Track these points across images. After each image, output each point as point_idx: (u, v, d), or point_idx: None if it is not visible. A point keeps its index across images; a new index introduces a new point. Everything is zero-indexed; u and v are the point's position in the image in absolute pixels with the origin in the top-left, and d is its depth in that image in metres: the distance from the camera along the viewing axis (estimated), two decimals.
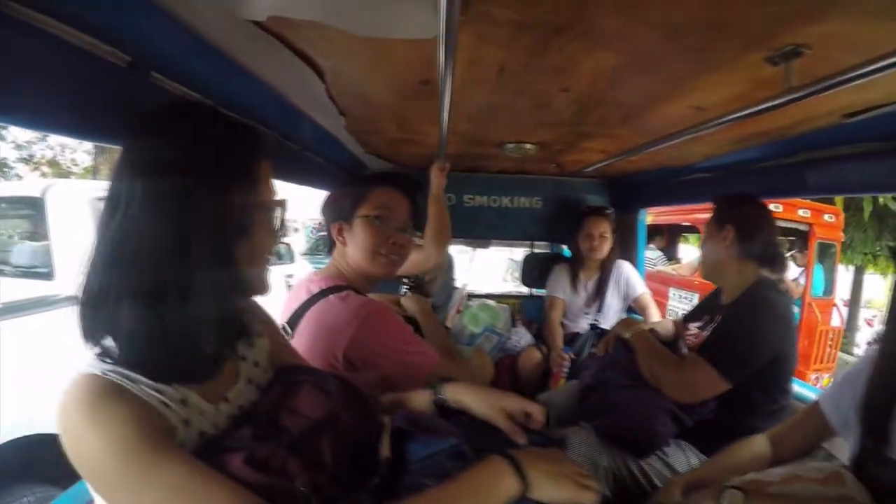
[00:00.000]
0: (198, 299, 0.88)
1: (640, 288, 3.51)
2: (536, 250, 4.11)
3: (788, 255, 7.43)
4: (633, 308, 3.55)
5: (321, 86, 1.57)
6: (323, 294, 1.67)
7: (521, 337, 3.44)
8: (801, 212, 7.10)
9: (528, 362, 3.25)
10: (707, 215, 2.25)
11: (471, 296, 3.69)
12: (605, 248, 3.41)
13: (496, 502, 0.99)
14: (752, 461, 1.55)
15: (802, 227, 7.30)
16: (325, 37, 1.20)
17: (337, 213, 1.79)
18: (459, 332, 3.33)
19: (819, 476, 1.33)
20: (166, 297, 0.86)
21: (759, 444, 1.63)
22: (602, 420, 2.01)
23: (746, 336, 1.96)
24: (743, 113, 1.39)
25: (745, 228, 2.11)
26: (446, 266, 3.64)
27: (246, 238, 0.95)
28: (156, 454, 0.79)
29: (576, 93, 1.55)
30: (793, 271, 7.36)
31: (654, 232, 9.14)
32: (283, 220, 1.05)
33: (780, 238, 2.12)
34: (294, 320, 1.67)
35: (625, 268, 3.54)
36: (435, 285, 3.28)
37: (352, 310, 1.61)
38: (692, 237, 11.61)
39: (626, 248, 3.76)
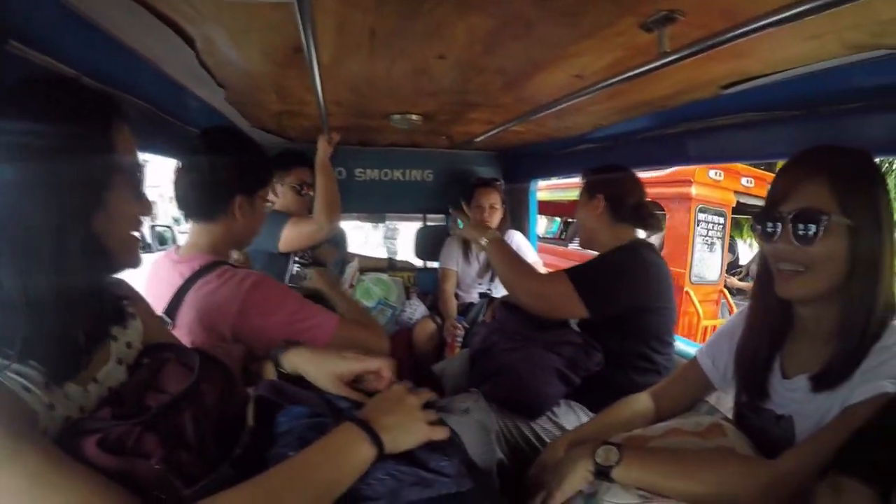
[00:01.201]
0: (61, 276, 0.85)
1: (532, 257, 3.58)
2: (430, 223, 4.14)
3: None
4: None
5: (192, 55, 1.52)
6: (199, 275, 1.61)
7: (416, 309, 3.47)
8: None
9: (422, 334, 3.28)
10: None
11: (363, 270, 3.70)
12: (496, 218, 3.46)
13: (352, 469, 0.99)
14: (635, 418, 1.62)
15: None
16: (189, 1, 1.16)
17: (241, 187, 1.71)
18: None
19: (699, 429, 1.40)
20: (28, 274, 0.82)
21: (641, 400, 1.69)
22: (490, 384, 2.05)
23: (612, 273, 2.04)
24: (618, 79, 1.42)
25: (615, 196, 2.19)
26: (339, 240, 3.62)
27: (104, 210, 0.91)
28: (9, 442, 0.75)
29: (453, 59, 1.56)
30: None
31: None
32: (142, 189, 1.01)
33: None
34: (173, 307, 1.59)
35: (515, 237, 3.61)
36: (327, 261, 3.26)
37: (232, 286, 1.56)
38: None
39: (517, 218, 3.85)
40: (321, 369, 1.26)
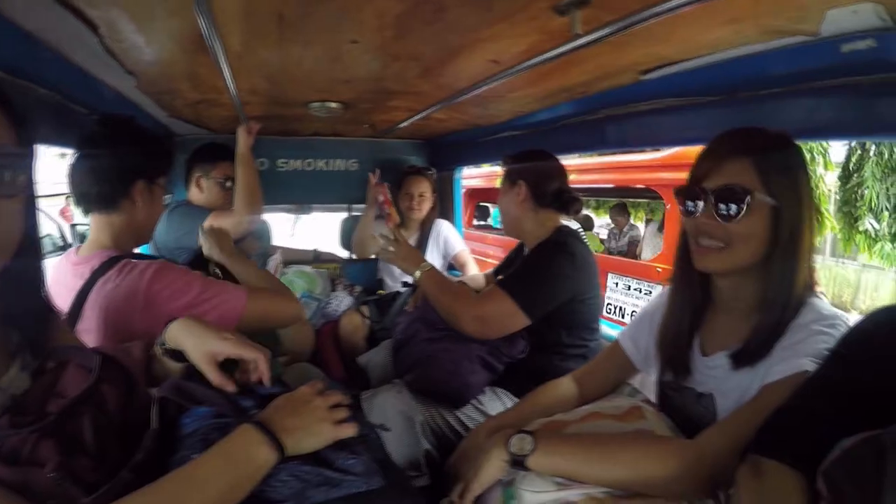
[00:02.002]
0: None
1: (459, 245, 3.62)
2: (356, 213, 4.08)
3: None
4: (454, 265, 3.65)
5: (96, 41, 1.46)
6: (99, 273, 1.56)
7: (341, 301, 3.43)
8: None
9: (348, 325, 3.23)
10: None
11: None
12: (426, 207, 3.50)
13: (251, 472, 0.98)
14: (557, 402, 1.63)
15: None
16: None
17: (141, 172, 1.66)
18: None
19: (619, 412, 1.42)
20: None
21: (564, 385, 1.70)
22: (413, 375, 2.06)
23: (544, 274, 2.05)
24: (531, 62, 1.43)
25: (537, 181, 2.20)
26: (262, 233, 3.57)
27: None
28: None
29: (366, 45, 1.55)
30: None
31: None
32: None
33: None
34: (76, 311, 1.54)
35: (443, 226, 3.63)
36: (250, 254, 3.21)
37: (134, 279, 1.53)
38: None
39: (444, 206, 3.86)
40: (198, 345, 1.21)
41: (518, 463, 1.28)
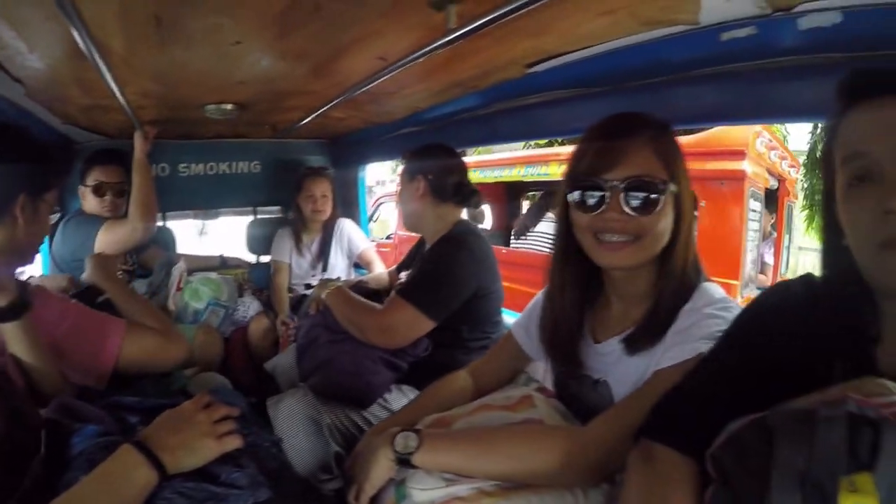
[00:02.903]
0: None
1: (363, 243, 3.64)
2: (262, 216, 4.08)
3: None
4: (360, 264, 3.68)
5: None
6: None
7: (249, 306, 3.43)
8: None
9: (257, 331, 3.26)
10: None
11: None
12: (328, 207, 3.50)
13: (133, 494, 0.98)
14: (453, 397, 1.63)
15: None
16: None
17: (25, 186, 1.56)
18: (183, 310, 3.20)
19: (509, 402, 1.43)
20: None
21: (460, 379, 1.71)
22: (317, 377, 2.06)
23: (444, 274, 2.08)
24: (413, 58, 1.46)
25: (435, 176, 2.22)
26: (166, 241, 3.54)
27: None
28: None
29: (250, 45, 1.56)
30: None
31: None
32: None
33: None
34: None
35: (346, 225, 3.65)
36: (152, 264, 3.17)
37: None
38: None
39: (347, 205, 3.90)
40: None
41: (404, 461, 1.29)
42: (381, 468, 1.32)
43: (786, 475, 0.74)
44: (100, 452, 1.04)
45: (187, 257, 3.50)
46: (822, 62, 1.26)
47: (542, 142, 10.86)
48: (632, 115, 1.32)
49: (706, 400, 1.01)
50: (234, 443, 1.14)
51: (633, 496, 0.99)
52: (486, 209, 7.54)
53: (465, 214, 2.32)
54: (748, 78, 1.40)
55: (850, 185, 0.88)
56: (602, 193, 1.25)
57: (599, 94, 1.81)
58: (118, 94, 1.81)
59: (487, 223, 7.80)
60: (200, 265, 3.64)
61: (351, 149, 3.70)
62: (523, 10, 1.13)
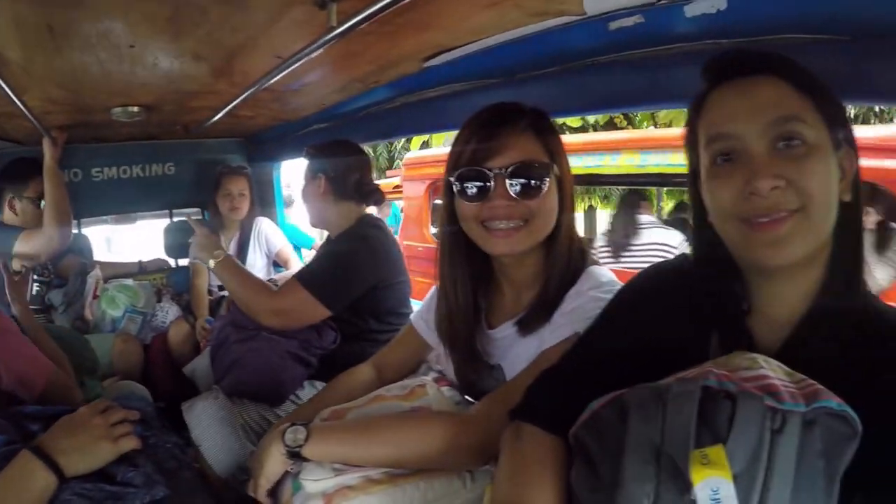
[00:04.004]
0: None
1: (281, 242, 3.70)
2: (178, 218, 4.02)
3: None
4: (278, 262, 3.73)
5: None
6: None
7: (168, 312, 3.46)
8: None
9: (176, 336, 3.27)
10: None
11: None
12: (245, 206, 3.55)
13: (32, 497, 1.04)
14: (355, 389, 1.68)
15: None
16: None
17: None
18: (101, 319, 3.26)
19: (404, 392, 1.50)
20: None
21: (363, 371, 1.79)
22: (229, 378, 2.12)
23: (341, 264, 2.15)
24: (305, 55, 1.51)
25: (337, 174, 2.29)
26: (82, 249, 3.52)
27: None
28: None
29: (146, 48, 1.61)
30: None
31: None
32: None
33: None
34: None
35: (264, 224, 3.69)
36: (69, 272, 3.19)
37: None
38: None
39: (264, 204, 3.94)
40: None
41: (295, 454, 1.33)
42: (274, 462, 1.37)
43: (639, 450, 0.79)
44: (3, 462, 1.10)
45: (103, 264, 3.51)
46: (711, 48, 1.31)
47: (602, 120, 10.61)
48: (510, 104, 1.39)
49: (575, 379, 1.06)
50: (129, 444, 1.21)
51: (500, 475, 1.04)
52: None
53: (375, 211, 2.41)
54: (638, 66, 1.47)
55: (714, 164, 0.95)
56: (487, 182, 1.30)
57: (496, 85, 1.90)
58: (17, 101, 1.85)
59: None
60: (117, 272, 3.69)
61: (266, 147, 3.75)
62: (402, 3, 1.17)
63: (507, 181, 1.29)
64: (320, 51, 1.44)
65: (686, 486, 0.73)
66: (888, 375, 0.85)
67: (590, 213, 11.82)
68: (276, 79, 1.77)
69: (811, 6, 1.20)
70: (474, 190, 1.32)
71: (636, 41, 1.44)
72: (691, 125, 1.02)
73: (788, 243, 0.89)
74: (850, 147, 0.96)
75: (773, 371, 0.82)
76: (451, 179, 1.36)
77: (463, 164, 1.34)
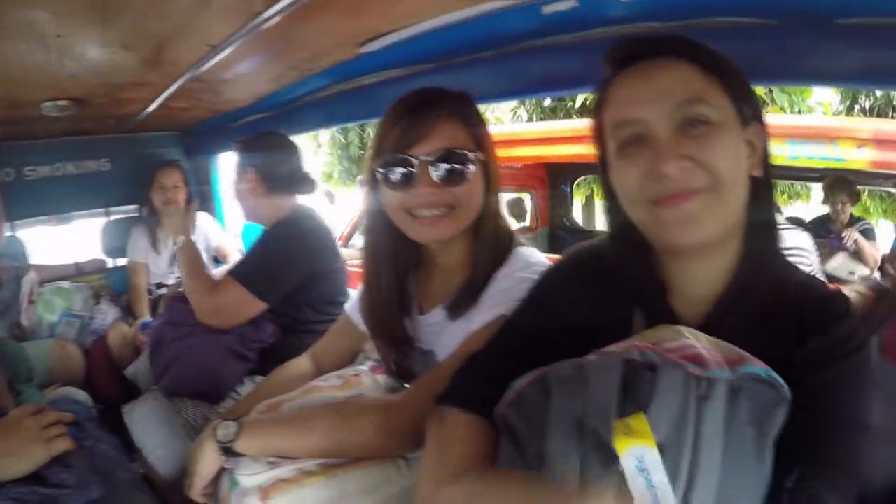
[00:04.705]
0: None
1: (220, 237, 3.72)
2: (115, 216, 3.98)
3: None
4: (218, 258, 3.72)
5: None
6: None
7: (107, 314, 3.40)
8: None
9: (116, 339, 3.23)
10: None
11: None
12: (180, 199, 3.49)
13: None
14: (292, 382, 1.68)
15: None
16: None
17: None
18: (38, 325, 3.18)
19: (339, 382, 1.54)
20: None
21: (300, 364, 1.81)
22: (167, 378, 2.12)
23: (275, 257, 2.18)
24: (232, 43, 1.56)
25: (267, 167, 2.32)
26: (16, 253, 3.46)
27: None
28: None
29: (73, 38, 1.61)
30: None
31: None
32: None
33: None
34: None
35: (202, 219, 3.65)
36: (1, 278, 3.14)
37: None
38: None
39: (203, 198, 3.89)
40: None
41: (228, 450, 1.34)
42: (208, 459, 1.37)
43: (563, 425, 0.82)
44: None
45: (38, 267, 3.43)
46: (645, 31, 1.36)
47: None
48: (435, 90, 1.41)
49: (500, 361, 1.08)
50: (62, 445, 1.22)
51: (425, 458, 1.06)
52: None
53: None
54: (573, 50, 1.51)
55: (621, 149, 0.97)
56: (412, 169, 1.31)
57: (431, 70, 1.94)
58: None
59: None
60: (53, 275, 3.61)
61: (203, 139, 3.74)
62: None
63: (432, 168, 1.31)
64: (250, 37, 1.48)
65: (612, 458, 0.76)
66: (808, 346, 0.91)
67: (588, 203, 11.65)
68: (206, 67, 1.81)
69: None
70: (399, 177, 1.33)
71: (571, 25, 1.49)
72: (597, 114, 1.04)
73: (698, 222, 0.92)
74: (759, 123, 0.99)
75: (698, 341, 0.86)
76: (375, 167, 1.38)
77: (387, 151, 1.35)
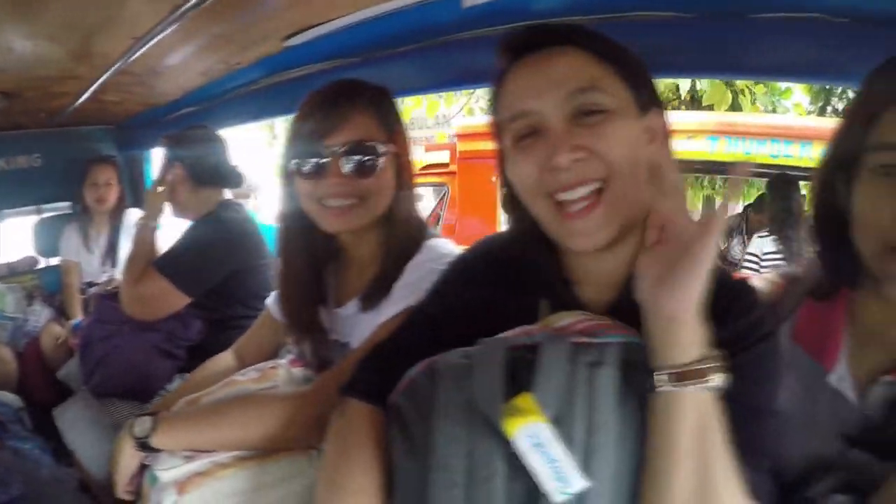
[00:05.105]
0: None
1: None
2: (48, 214, 3.97)
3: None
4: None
5: None
6: None
7: (40, 315, 3.37)
8: None
9: (49, 341, 3.18)
10: None
11: None
12: (112, 196, 3.55)
13: None
14: (216, 377, 1.67)
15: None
16: None
17: None
18: None
19: (256, 375, 1.54)
20: None
21: (223, 359, 1.83)
22: (97, 378, 2.13)
23: (199, 250, 2.21)
24: (154, 36, 1.59)
25: (194, 161, 2.34)
26: None
27: None
28: None
29: None
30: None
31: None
32: None
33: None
34: None
35: (134, 216, 3.49)
36: None
37: None
38: None
39: (136, 194, 3.86)
40: None
41: (145, 445, 1.36)
42: (126, 456, 1.39)
43: (450, 412, 0.85)
44: None
45: None
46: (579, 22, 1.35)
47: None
48: (351, 82, 1.46)
49: (403, 351, 1.08)
50: None
51: (326, 451, 1.09)
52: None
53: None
54: (493, 42, 1.54)
55: (516, 142, 0.97)
56: (323, 160, 1.36)
57: (356, 64, 2.00)
58: None
59: None
60: None
61: (136, 134, 3.70)
62: None
63: (342, 159, 1.35)
64: (176, 30, 1.52)
65: (504, 442, 0.79)
66: (716, 335, 0.89)
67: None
68: (133, 60, 1.84)
69: None
70: (311, 168, 1.37)
71: (490, 18, 1.55)
72: (494, 108, 1.05)
73: (599, 230, 0.93)
74: (659, 109, 1.01)
75: (594, 319, 0.91)
76: (289, 157, 1.42)
77: (300, 142, 1.40)
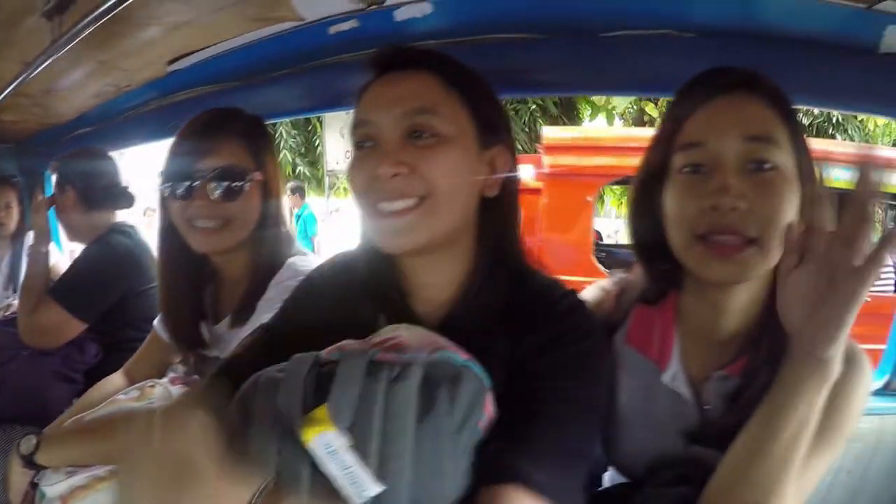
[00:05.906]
0: None
1: (55, 257, 3.47)
2: None
3: None
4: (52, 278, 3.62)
5: None
6: None
7: None
8: None
9: None
10: None
11: None
12: (12, 220, 3.52)
13: None
14: (105, 398, 1.71)
15: None
16: None
17: None
18: None
19: (137, 394, 1.62)
20: None
21: (113, 381, 1.90)
22: None
23: (89, 274, 2.26)
24: (40, 65, 1.69)
25: (85, 184, 2.39)
26: None
27: None
28: None
29: None
30: None
31: None
32: None
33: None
34: None
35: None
36: None
37: None
38: None
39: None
40: None
41: (31, 462, 1.42)
42: (16, 475, 1.45)
43: (262, 423, 0.89)
44: None
45: None
46: (440, 46, 1.52)
47: None
48: (225, 111, 1.60)
49: (243, 365, 1.10)
50: None
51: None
52: None
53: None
54: (354, 68, 1.65)
55: (355, 150, 1.08)
56: (192, 183, 1.50)
57: (238, 87, 2.12)
58: None
59: None
60: None
61: (39, 154, 3.56)
62: (114, 13, 1.36)
63: (210, 184, 1.49)
64: (62, 55, 1.61)
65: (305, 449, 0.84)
66: (536, 335, 1.02)
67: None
68: (25, 83, 1.95)
69: (509, 9, 1.49)
70: (182, 190, 1.51)
71: (356, 44, 1.68)
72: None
73: (407, 233, 1.02)
74: (505, 147, 1.11)
75: (411, 334, 0.97)
76: (163, 180, 1.54)
77: (174, 165, 1.53)
